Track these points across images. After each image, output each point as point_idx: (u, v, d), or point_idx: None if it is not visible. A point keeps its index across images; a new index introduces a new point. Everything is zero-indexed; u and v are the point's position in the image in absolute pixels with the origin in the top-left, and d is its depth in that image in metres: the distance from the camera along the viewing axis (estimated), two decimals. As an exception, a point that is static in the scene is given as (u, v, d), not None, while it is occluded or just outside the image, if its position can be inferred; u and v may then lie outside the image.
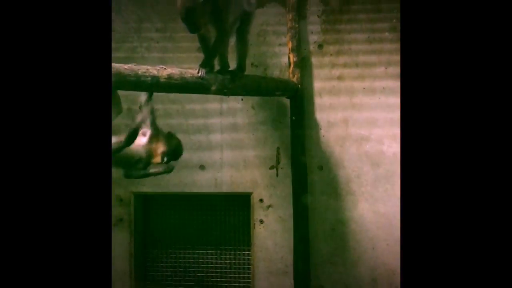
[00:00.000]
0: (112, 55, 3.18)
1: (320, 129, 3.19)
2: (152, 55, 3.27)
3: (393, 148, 3.09)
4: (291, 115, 3.16)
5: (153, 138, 2.52)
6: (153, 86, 2.31)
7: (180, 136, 2.67)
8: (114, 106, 2.45)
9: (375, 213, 3.13)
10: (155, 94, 2.55)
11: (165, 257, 3.45)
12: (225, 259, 3.39)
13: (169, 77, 2.31)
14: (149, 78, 2.26)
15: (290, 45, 3.13)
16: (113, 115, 2.45)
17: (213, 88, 2.47)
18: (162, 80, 2.29)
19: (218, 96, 3.06)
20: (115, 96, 2.46)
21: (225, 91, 2.60)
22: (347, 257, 3.16)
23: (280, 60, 3.20)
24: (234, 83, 2.57)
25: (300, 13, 3.15)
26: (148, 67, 2.30)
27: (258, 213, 3.25)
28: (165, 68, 2.33)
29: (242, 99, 3.22)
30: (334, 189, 3.18)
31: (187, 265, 3.42)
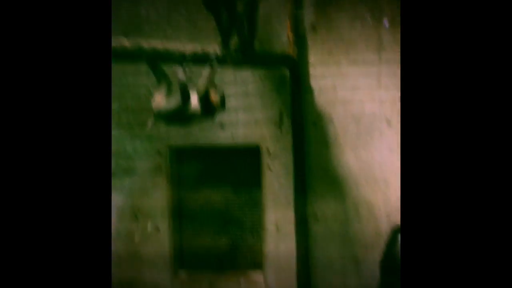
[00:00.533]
0: (146, 40, 3.58)
1: (314, 93, 3.56)
2: (180, 38, 3.53)
3: (371, 108, 3.52)
4: (291, 82, 3.53)
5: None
6: (184, 58, 2.68)
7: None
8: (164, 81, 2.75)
9: (358, 159, 3.56)
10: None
11: (194, 196, 3.88)
12: (241, 196, 3.84)
13: (195, 52, 2.72)
14: (178, 54, 2.66)
15: (290, 27, 3.51)
16: (166, 92, 2.74)
17: (228, 60, 2.93)
18: (189, 54, 2.68)
19: (232, 69, 3.46)
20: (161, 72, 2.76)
21: (238, 63, 3.05)
22: (336, 193, 3.60)
23: (282, 39, 3.57)
24: (246, 57, 2.99)
25: (297, 2, 3.53)
26: (178, 44, 2.72)
27: (266, 161, 3.68)
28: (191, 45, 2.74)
29: (251, 71, 3.59)
30: (325, 141, 3.58)
31: (211, 201, 3.85)
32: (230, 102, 3.61)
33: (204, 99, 2.71)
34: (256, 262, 3.89)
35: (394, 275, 3.19)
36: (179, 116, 2.70)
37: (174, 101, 2.64)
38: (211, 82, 2.75)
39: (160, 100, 2.65)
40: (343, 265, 3.64)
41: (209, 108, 2.75)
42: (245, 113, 3.66)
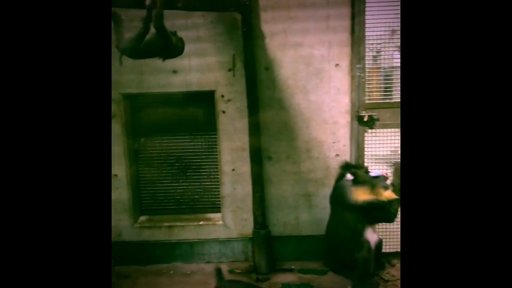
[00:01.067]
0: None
1: (265, 38, 3.57)
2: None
3: (321, 51, 3.59)
4: (242, 27, 3.49)
5: None
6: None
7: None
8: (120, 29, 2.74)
9: (308, 101, 3.66)
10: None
11: (150, 143, 3.91)
12: (197, 141, 3.88)
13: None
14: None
15: (239, -31, 3.46)
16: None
17: (179, 4, 2.90)
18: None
19: (184, 13, 3.43)
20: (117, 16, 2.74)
21: (189, 7, 3.02)
22: (288, 134, 3.72)
23: (232, -18, 3.52)
24: (197, 1, 2.96)
25: None
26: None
27: (220, 106, 3.71)
28: None
29: (203, 15, 3.57)
30: (277, 85, 3.65)
31: (168, 147, 3.90)
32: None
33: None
34: (214, 203, 4.03)
35: (340, 205, 3.43)
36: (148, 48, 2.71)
37: (137, 36, 2.64)
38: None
39: (123, 38, 2.67)
40: (296, 201, 3.84)
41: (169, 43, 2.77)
42: (198, 59, 3.63)
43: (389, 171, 3.50)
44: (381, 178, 3.35)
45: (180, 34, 3.45)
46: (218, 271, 3.03)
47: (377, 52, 3.73)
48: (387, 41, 3.64)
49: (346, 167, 3.49)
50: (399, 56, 3.97)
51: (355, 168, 3.47)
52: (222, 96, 3.71)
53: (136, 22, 2.72)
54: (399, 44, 3.81)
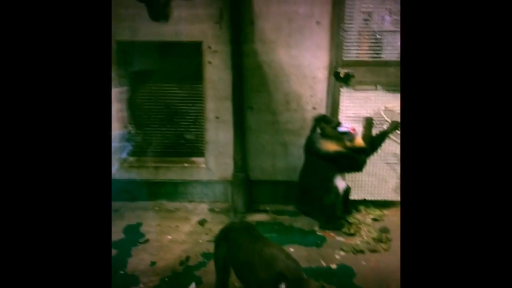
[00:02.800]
0: None
1: None
2: None
3: (304, 8, 3.80)
4: None
5: None
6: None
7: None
8: None
9: (290, 56, 3.93)
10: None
11: (141, 89, 4.19)
12: (185, 89, 4.17)
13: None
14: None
15: None
16: None
17: None
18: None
19: None
20: None
21: None
22: (268, 87, 4.02)
23: None
24: None
25: None
26: None
27: (207, 56, 3.98)
28: None
29: None
30: (262, 38, 3.90)
31: (158, 95, 4.20)
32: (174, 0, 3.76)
33: None
34: (199, 148, 4.39)
35: (312, 155, 3.81)
36: None
37: None
38: None
39: None
40: (274, 149, 4.21)
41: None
42: (187, 11, 3.85)
43: (359, 127, 3.84)
44: (348, 134, 3.71)
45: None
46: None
47: (368, 15, 3.99)
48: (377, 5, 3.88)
49: (319, 119, 3.85)
50: (388, 19, 4.22)
51: (327, 122, 3.83)
52: (209, 47, 3.97)
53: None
54: (389, 7, 4.06)
